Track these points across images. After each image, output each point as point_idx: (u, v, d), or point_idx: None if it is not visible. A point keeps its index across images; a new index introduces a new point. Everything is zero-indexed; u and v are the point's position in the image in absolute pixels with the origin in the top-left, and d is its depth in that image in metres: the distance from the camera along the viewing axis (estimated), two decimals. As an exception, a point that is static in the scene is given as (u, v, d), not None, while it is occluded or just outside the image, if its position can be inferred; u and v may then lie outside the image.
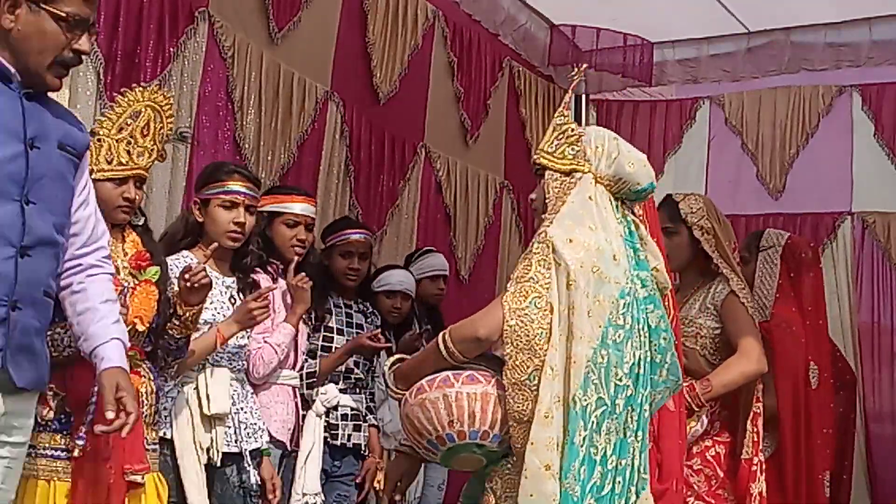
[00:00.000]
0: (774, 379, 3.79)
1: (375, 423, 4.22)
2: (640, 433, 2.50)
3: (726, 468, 3.29)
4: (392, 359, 2.69)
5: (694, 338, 3.25)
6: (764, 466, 3.22)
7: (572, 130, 2.63)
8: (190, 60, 4.36)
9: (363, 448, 4.09)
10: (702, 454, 3.14)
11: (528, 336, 2.41)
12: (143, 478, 2.73)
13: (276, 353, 3.50)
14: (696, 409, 3.27)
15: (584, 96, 6.96)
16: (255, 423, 3.37)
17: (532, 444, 2.37)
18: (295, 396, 3.74)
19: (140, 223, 2.95)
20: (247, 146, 4.65)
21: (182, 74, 4.31)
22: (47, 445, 2.67)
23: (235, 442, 3.26)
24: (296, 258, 3.72)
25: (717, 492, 3.22)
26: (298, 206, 3.80)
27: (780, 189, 6.64)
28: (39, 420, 2.65)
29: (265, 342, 3.49)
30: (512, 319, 2.42)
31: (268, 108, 4.76)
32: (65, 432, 2.67)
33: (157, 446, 2.93)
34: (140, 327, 2.77)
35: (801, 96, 6.66)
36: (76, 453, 2.58)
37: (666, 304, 2.67)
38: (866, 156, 6.45)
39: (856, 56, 6.02)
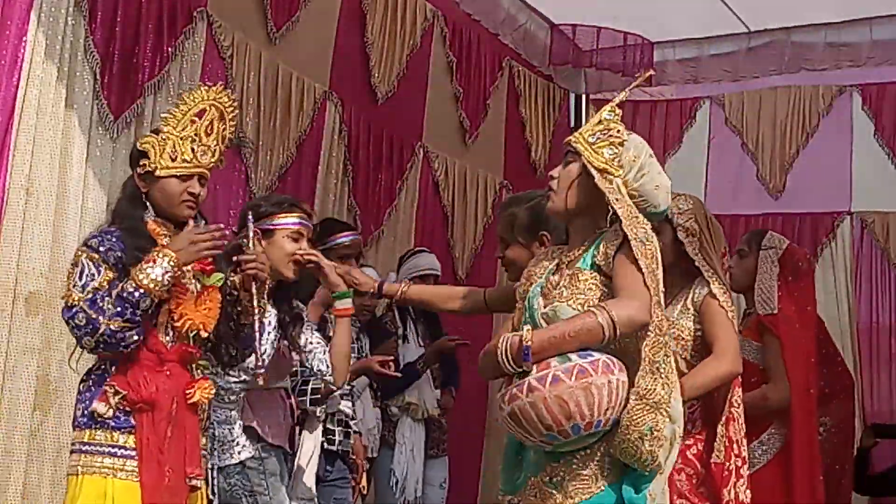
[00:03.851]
0: (787, 372, 3.80)
1: (359, 431, 4.25)
2: None
3: (707, 466, 3.24)
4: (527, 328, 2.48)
5: (676, 340, 3.19)
6: (740, 471, 3.17)
7: (618, 132, 2.61)
8: (188, 60, 4.38)
9: (351, 452, 4.12)
10: (682, 453, 3.05)
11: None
12: (199, 483, 2.78)
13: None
14: None
15: (584, 96, 6.97)
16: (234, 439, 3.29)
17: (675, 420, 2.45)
18: (287, 397, 3.73)
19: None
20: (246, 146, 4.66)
21: (180, 74, 4.33)
22: (104, 442, 2.66)
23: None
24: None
25: (699, 490, 3.18)
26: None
27: (780, 189, 6.64)
28: (96, 416, 2.66)
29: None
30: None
31: (266, 108, 4.78)
32: (123, 430, 2.67)
33: (206, 453, 2.93)
34: (203, 334, 2.79)
35: (801, 96, 6.66)
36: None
37: None
38: (866, 156, 6.45)
39: (856, 56, 6.01)
